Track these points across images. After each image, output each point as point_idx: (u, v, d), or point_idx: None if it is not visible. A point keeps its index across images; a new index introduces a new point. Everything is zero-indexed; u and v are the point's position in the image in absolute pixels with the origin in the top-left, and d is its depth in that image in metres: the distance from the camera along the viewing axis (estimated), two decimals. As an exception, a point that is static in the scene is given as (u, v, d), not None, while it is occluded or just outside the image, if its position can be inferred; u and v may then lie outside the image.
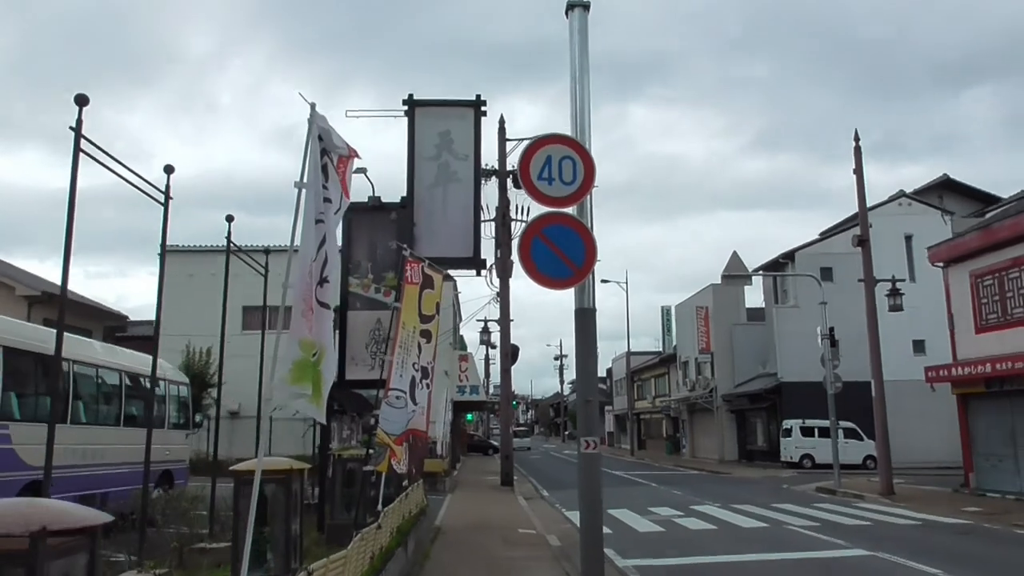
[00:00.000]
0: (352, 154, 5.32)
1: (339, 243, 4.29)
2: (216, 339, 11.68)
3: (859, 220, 20.67)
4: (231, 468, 5.99)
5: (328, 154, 4.65)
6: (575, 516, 17.17)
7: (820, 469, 30.89)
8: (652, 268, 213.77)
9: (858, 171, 20.51)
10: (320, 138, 4.52)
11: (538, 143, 6.59)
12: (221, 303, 10.76)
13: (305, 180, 4.21)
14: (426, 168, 14.76)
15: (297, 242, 4.07)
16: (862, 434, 32.11)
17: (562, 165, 6.60)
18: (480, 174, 14.88)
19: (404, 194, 14.47)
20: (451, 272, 14.66)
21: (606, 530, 14.79)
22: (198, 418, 17.72)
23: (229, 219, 14.68)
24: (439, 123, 15.13)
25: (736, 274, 22.83)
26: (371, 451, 8.07)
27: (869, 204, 40.66)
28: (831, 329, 23.13)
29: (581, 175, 6.56)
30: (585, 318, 6.47)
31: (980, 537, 12.95)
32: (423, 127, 15.00)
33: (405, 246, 8.49)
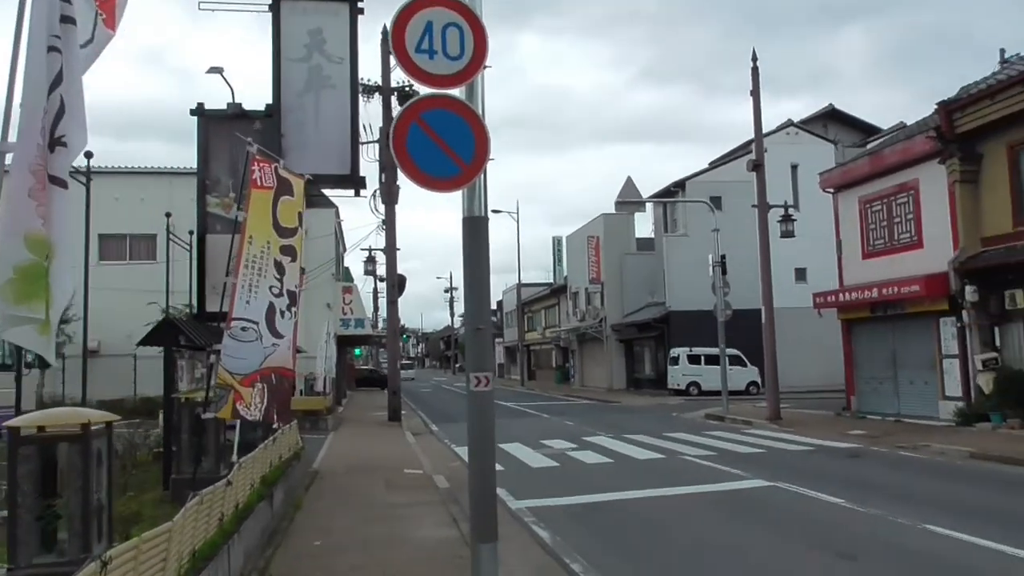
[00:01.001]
0: None
1: (82, 89, 2.82)
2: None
3: (755, 144, 20.26)
4: (4, 424, 4.51)
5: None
6: (464, 452, 16.32)
7: (706, 396, 31.48)
8: (543, 200, 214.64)
9: (755, 93, 19.98)
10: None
11: (415, 4, 5.16)
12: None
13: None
14: (295, 71, 12.94)
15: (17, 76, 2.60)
16: (746, 360, 32.87)
17: (446, 35, 5.22)
18: (357, 78, 13.18)
19: (270, 101, 12.69)
20: (327, 192, 13.05)
21: (498, 467, 14.01)
22: (28, 358, 15.51)
23: (88, 155, 12.75)
24: (309, 20, 13.27)
25: (629, 200, 22.17)
26: (210, 394, 6.68)
27: (737, 146, 41.29)
28: (722, 257, 22.97)
29: (470, 48, 5.20)
30: (475, 229, 5.24)
31: (870, 460, 12.93)
32: (290, 24, 13.10)
33: (250, 140, 6.95)
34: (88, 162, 12.83)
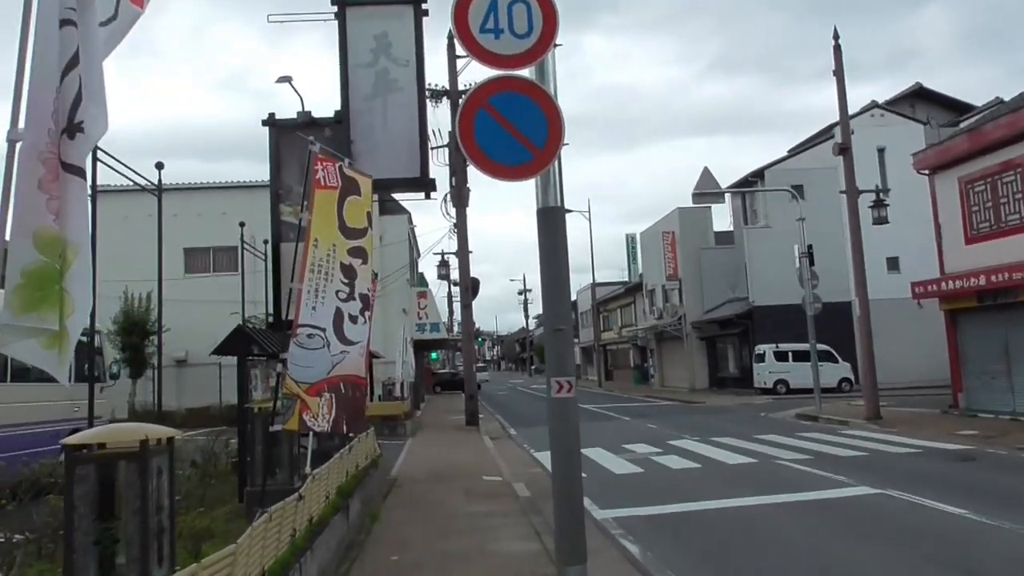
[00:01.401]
0: None
1: (103, 71, 2.47)
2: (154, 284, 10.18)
3: (840, 127, 19.13)
4: (61, 442, 4.28)
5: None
6: (545, 457, 15.91)
7: (795, 394, 30.15)
8: (613, 199, 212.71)
9: (838, 72, 18.85)
10: None
11: (478, -19, 4.74)
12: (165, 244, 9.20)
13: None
14: (362, 77, 12.76)
15: (27, 53, 2.26)
16: (837, 356, 31.36)
17: (512, 12, 4.77)
18: (424, 81, 12.88)
19: (338, 108, 12.55)
20: (397, 196, 12.82)
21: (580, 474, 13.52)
22: (114, 369, 15.87)
23: (159, 166, 12.97)
24: (374, 24, 13.10)
25: (708, 191, 21.27)
26: (279, 405, 6.42)
27: (818, 131, 39.41)
28: (809, 247, 21.84)
29: (539, 25, 4.76)
30: (550, 221, 4.77)
31: (987, 463, 11.85)
32: (356, 30, 12.94)
33: (312, 139, 6.65)
34: (160, 174, 12.95)
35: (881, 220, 19.53)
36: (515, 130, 4.67)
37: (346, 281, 6.88)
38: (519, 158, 4.62)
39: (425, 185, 12.55)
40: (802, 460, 12.67)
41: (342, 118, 12.30)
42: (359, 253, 7.31)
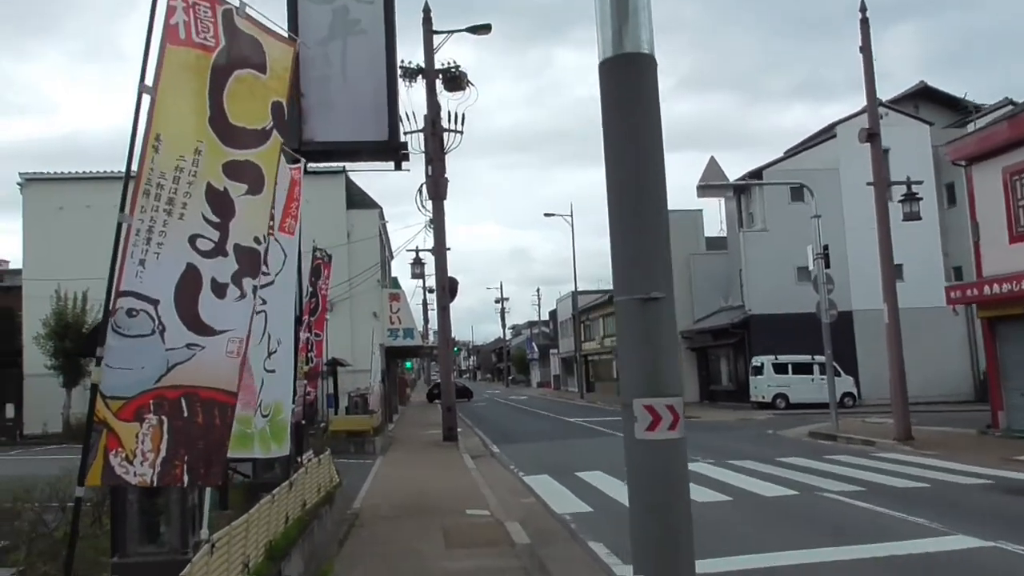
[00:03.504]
0: None
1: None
2: (95, 282, 7.81)
3: (868, 110, 17.09)
4: None
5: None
6: (536, 482, 13.33)
7: (795, 409, 28.13)
8: (589, 211, 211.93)
9: (865, 48, 16.81)
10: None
11: None
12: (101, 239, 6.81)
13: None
14: (315, 14, 10.34)
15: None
16: (840, 369, 29.30)
17: None
18: (394, 23, 10.49)
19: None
20: (363, 166, 10.41)
21: (584, 507, 10.90)
22: None
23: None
24: (330, -54, 10.73)
25: (714, 183, 19.08)
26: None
27: (817, 131, 37.57)
28: (825, 247, 19.77)
29: None
30: (629, 75, 2.43)
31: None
32: (308, -46, 10.58)
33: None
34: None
35: (913, 215, 17.46)
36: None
37: (214, 220, 4.15)
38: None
39: (395, 150, 10.17)
40: (852, 492, 10.42)
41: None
42: (247, 174, 4.36)
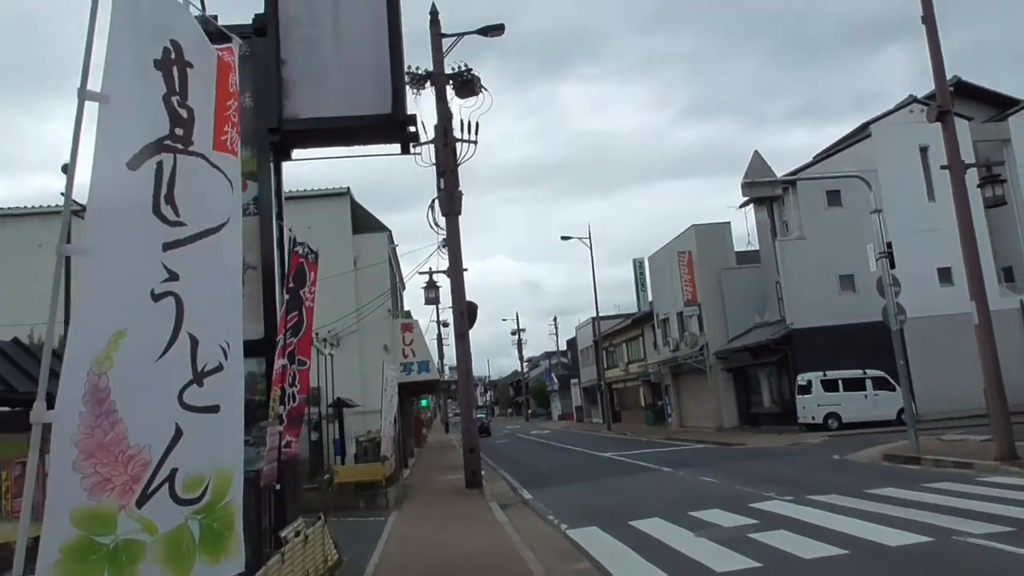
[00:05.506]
0: None
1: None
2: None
3: (936, 87, 15.03)
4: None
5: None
6: (584, 538, 10.17)
7: (849, 429, 25.66)
8: (598, 241, 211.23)
9: (928, 18, 14.81)
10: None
11: None
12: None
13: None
14: (301, -37, 8.38)
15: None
16: (893, 383, 26.89)
17: None
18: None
19: (260, 11, 8.19)
20: (361, 149, 8.30)
21: (650, 569, 7.40)
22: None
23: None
24: None
25: (762, 180, 16.93)
26: None
27: (847, 133, 35.50)
28: (888, 244, 17.55)
29: None
30: None
31: None
32: None
33: None
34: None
35: (997, 201, 15.22)
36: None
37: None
38: None
39: (402, 127, 8.07)
40: (1002, 535, 8.11)
41: (266, 24, 7.92)
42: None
